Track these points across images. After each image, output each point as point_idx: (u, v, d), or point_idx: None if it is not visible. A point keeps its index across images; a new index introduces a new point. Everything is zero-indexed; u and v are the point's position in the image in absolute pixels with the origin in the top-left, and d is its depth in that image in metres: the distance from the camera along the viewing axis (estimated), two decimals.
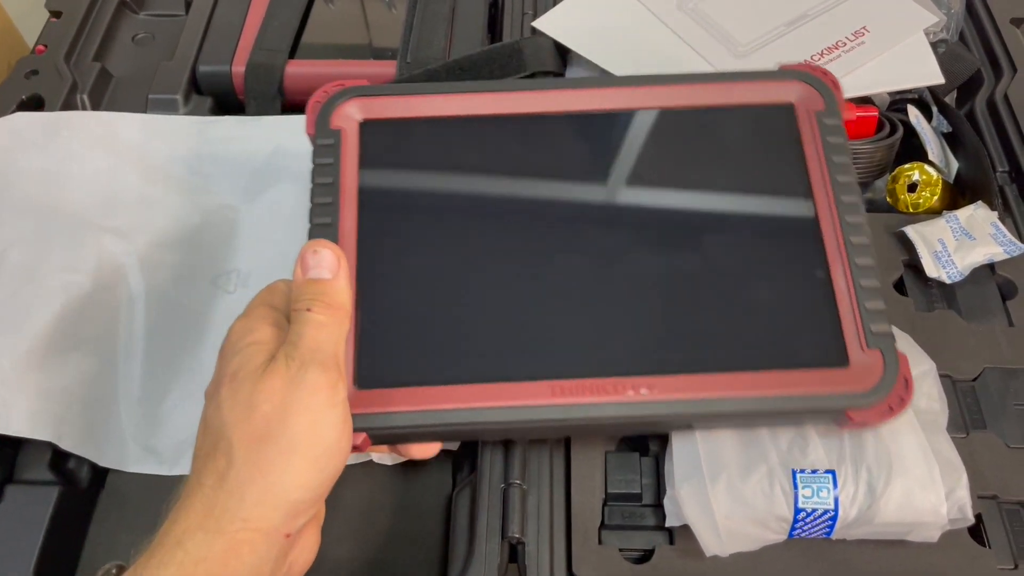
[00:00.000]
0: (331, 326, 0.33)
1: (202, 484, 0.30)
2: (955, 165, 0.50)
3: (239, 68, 0.52)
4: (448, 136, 0.40)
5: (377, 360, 0.35)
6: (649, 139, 0.40)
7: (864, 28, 0.50)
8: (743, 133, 0.40)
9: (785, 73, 0.40)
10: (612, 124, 0.40)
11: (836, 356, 0.35)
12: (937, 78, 0.49)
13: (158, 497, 0.41)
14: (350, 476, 0.40)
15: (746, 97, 0.40)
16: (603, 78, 0.45)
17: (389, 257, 0.37)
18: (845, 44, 0.49)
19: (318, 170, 0.38)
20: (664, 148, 0.40)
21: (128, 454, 0.40)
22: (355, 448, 0.34)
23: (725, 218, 0.39)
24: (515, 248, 0.38)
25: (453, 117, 0.40)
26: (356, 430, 0.33)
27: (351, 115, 0.39)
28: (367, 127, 0.39)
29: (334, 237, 0.36)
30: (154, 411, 0.42)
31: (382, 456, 0.40)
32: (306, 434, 0.31)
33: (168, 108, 0.52)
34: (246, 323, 0.34)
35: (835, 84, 0.40)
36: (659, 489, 0.39)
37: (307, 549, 0.34)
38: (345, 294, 0.34)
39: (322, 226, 0.37)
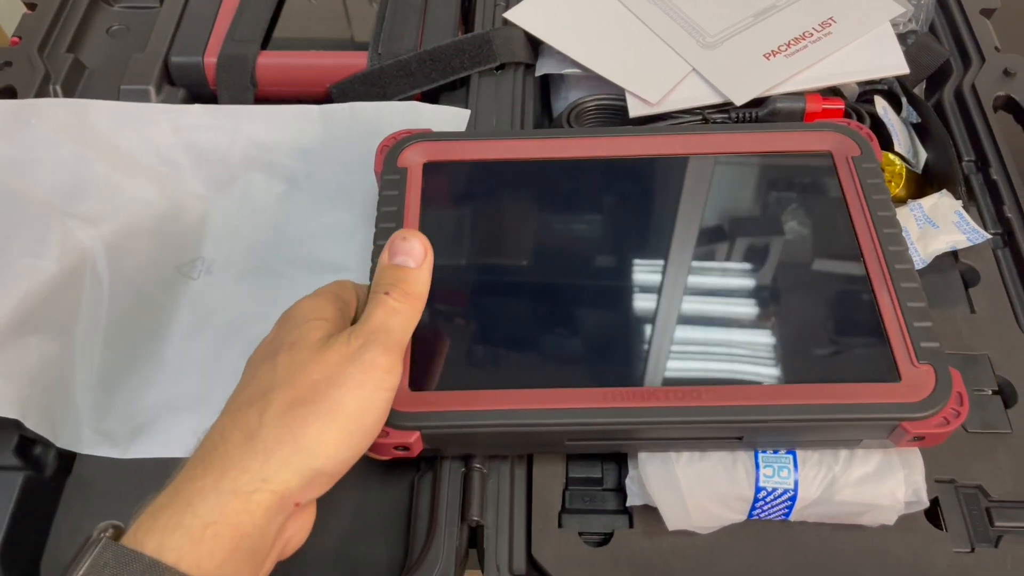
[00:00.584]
0: (404, 313, 0.33)
1: (226, 440, 0.30)
2: (924, 155, 0.51)
3: (211, 59, 0.53)
4: (500, 175, 0.44)
5: (430, 364, 0.37)
6: (699, 180, 0.43)
7: (831, 19, 0.50)
8: (788, 175, 0.44)
9: (823, 125, 0.44)
10: (661, 167, 0.44)
11: (888, 371, 0.36)
12: (902, 68, 0.49)
13: (123, 484, 0.41)
14: None
15: (789, 145, 0.44)
16: (649, 128, 0.48)
17: (446, 273, 0.40)
18: (812, 35, 0.50)
19: (384, 199, 0.42)
20: (714, 188, 0.43)
21: (83, 437, 0.41)
22: (406, 447, 0.35)
23: (775, 249, 0.41)
24: (565, 270, 0.41)
25: (505, 160, 0.44)
26: (410, 428, 0.35)
27: (415, 157, 0.44)
28: (429, 167, 0.43)
29: None
30: (111, 397, 0.42)
31: None
32: (350, 407, 0.31)
33: (140, 99, 0.52)
34: (313, 300, 0.35)
35: (870, 136, 0.44)
36: (620, 473, 0.39)
37: (303, 528, 0.34)
38: (424, 285, 0.35)
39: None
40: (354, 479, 0.40)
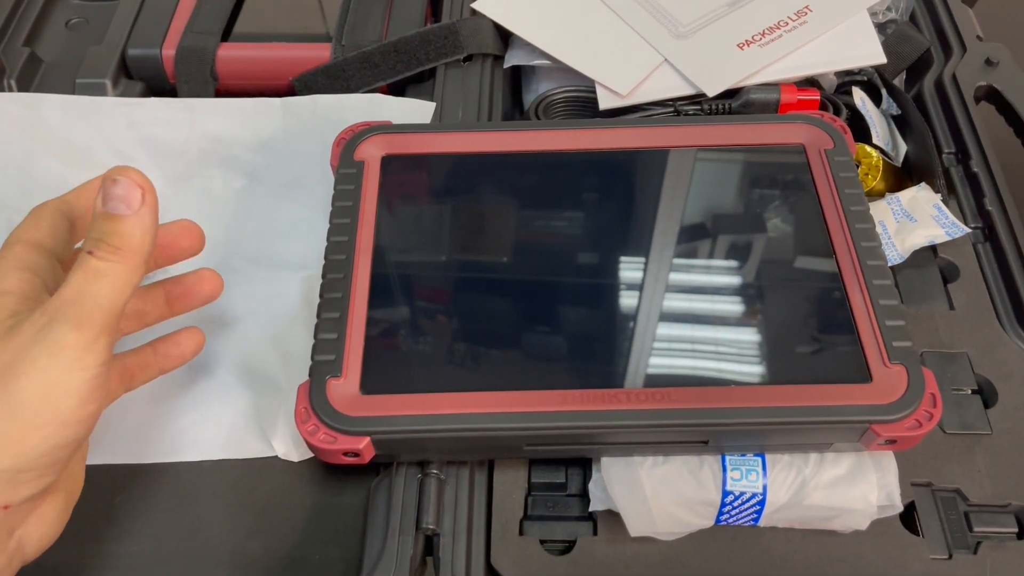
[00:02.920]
0: (111, 276, 0.28)
1: None
2: (903, 148, 0.49)
3: (169, 52, 0.51)
4: (461, 169, 0.42)
5: (384, 367, 0.35)
6: (667, 175, 0.42)
7: (807, 7, 0.49)
8: (758, 170, 0.42)
9: (795, 117, 0.43)
10: (628, 161, 0.42)
11: (859, 372, 0.35)
12: (879, 58, 0.48)
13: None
14: (265, 469, 0.39)
15: (760, 138, 0.42)
16: (616, 120, 0.46)
17: (402, 273, 0.39)
18: (787, 24, 0.48)
19: (339, 194, 0.41)
20: (680, 182, 0.42)
21: None
22: (356, 454, 0.34)
23: (744, 246, 0.40)
24: (525, 269, 0.39)
25: (468, 153, 0.42)
26: (359, 434, 0.33)
27: (374, 150, 0.42)
28: (388, 160, 0.42)
29: (350, 253, 0.38)
30: None
31: (288, 451, 0.39)
32: (31, 395, 0.27)
33: (96, 93, 0.50)
34: None
35: (844, 128, 0.42)
36: (585, 478, 0.38)
37: (44, 524, 0.30)
38: (143, 236, 0.29)
39: (339, 243, 0.39)
40: (308, 482, 0.39)
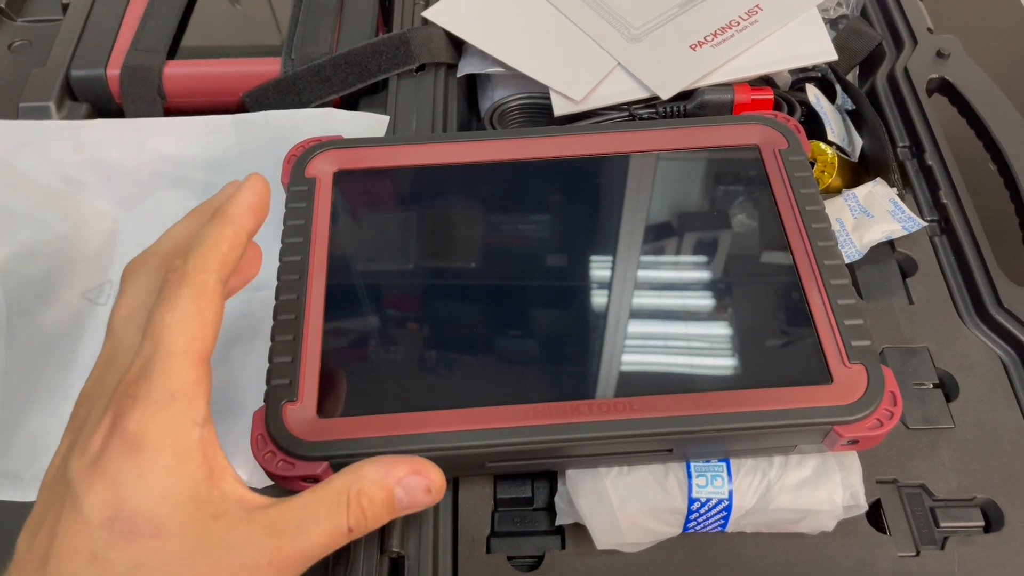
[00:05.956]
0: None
1: None
2: (860, 143, 0.49)
3: (114, 71, 0.50)
4: (416, 183, 0.42)
5: (341, 390, 0.35)
6: (621, 182, 0.42)
7: (757, 7, 0.49)
8: (713, 172, 0.42)
9: (749, 118, 0.42)
10: (582, 169, 0.42)
11: (819, 373, 0.35)
12: (830, 55, 0.48)
13: (17, 525, 0.39)
14: None
15: (714, 140, 0.42)
16: (569, 127, 0.45)
17: (357, 293, 0.38)
18: (738, 23, 0.48)
19: (291, 212, 0.40)
20: (638, 189, 0.41)
21: None
22: (315, 479, 0.33)
23: (702, 252, 0.40)
24: (484, 282, 0.39)
25: (421, 166, 0.42)
26: (317, 459, 0.32)
27: (325, 166, 0.41)
28: (340, 176, 0.41)
29: (303, 272, 0.38)
30: (13, 435, 0.39)
31: (250, 477, 0.38)
32: None
33: (40, 116, 0.49)
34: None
35: (797, 127, 0.42)
36: (551, 491, 0.37)
37: None
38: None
39: (291, 263, 0.38)
40: None
